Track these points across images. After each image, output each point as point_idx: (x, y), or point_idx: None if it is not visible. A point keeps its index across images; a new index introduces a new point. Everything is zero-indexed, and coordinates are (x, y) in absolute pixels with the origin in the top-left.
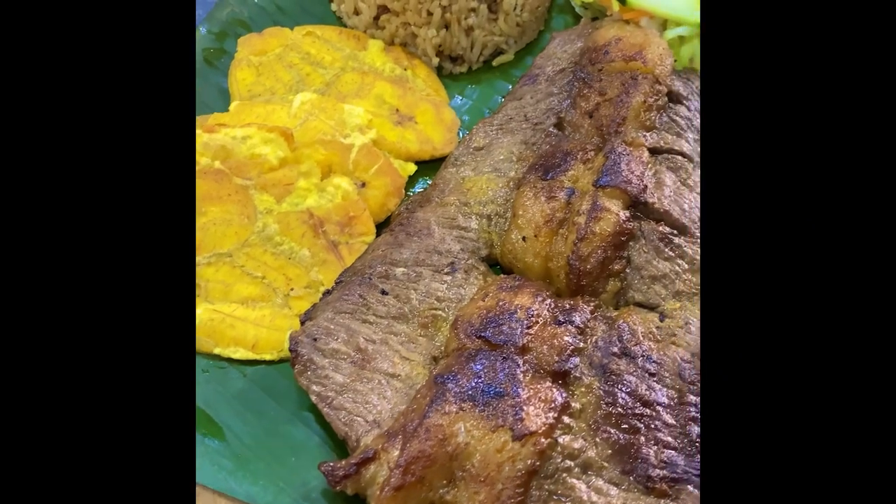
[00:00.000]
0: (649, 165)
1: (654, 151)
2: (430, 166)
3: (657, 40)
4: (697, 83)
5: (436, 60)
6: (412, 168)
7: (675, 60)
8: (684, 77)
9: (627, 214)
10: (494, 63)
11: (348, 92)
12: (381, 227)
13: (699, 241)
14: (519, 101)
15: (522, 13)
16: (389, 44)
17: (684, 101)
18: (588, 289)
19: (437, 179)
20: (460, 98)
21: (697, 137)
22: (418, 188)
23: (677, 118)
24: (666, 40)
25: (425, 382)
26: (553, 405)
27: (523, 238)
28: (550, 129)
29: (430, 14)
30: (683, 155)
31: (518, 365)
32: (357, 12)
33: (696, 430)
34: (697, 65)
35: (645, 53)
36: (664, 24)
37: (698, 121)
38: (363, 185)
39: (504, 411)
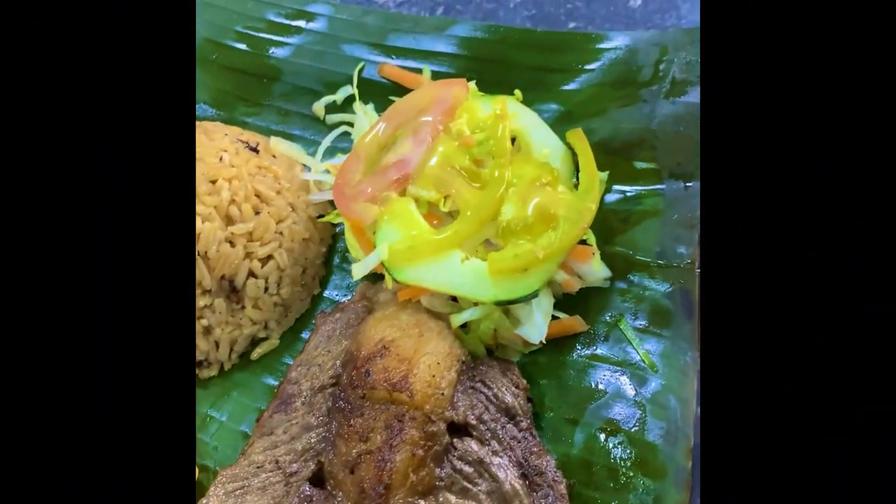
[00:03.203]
0: None
1: None
2: None
3: (431, 348)
4: (501, 384)
5: None
6: None
7: (465, 360)
8: (477, 381)
9: None
10: (254, 356)
11: None
12: None
13: None
14: (270, 436)
15: (280, 290)
16: None
17: (473, 432)
18: None
19: None
20: (206, 419)
21: (493, 486)
22: None
23: (464, 466)
24: (455, 328)
25: None
26: None
27: None
28: (306, 488)
29: None
30: None
31: None
32: None
33: None
34: (502, 337)
35: (411, 381)
36: (454, 298)
37: (496, 455)
38: None
39: None
